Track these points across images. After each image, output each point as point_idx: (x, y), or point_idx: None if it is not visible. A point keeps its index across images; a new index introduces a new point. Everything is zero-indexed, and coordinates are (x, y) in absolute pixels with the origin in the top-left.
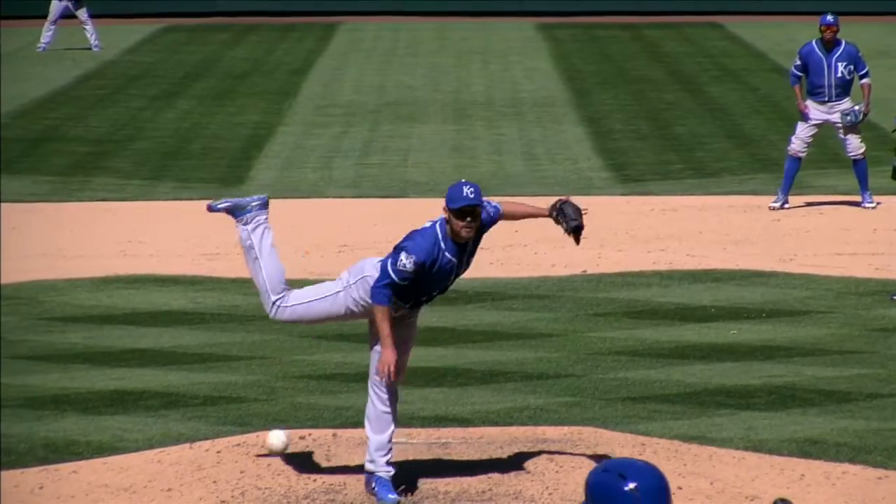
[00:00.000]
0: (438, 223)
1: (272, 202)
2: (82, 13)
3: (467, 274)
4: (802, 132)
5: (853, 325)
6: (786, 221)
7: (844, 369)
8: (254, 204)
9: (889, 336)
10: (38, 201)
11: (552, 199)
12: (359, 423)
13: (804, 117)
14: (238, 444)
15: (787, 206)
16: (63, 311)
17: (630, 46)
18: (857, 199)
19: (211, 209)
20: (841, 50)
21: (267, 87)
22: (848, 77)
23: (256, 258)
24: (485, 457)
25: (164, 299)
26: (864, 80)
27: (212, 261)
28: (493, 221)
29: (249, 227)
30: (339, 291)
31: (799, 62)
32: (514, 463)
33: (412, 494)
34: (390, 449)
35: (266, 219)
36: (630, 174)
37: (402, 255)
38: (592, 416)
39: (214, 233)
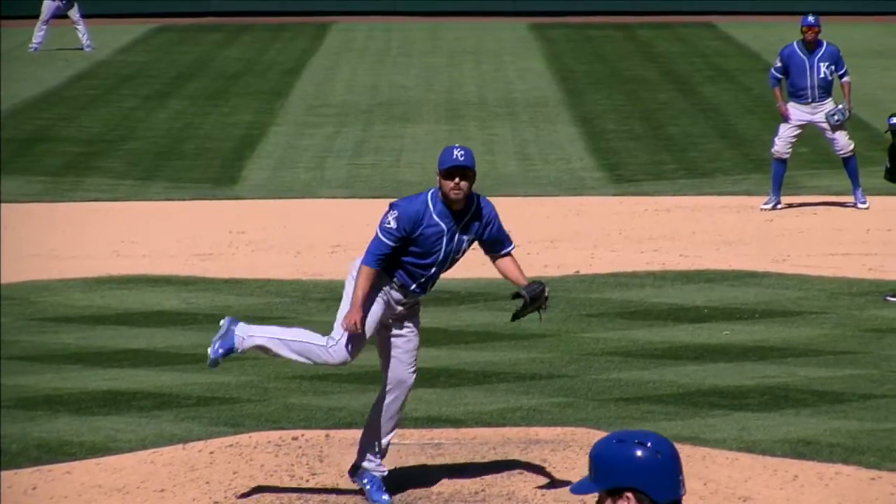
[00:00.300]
0: (432, 189)
1: (265, 202)
2: (74, 13)
3: (459, 274)
4: (785, 133)
5: (846, 325)
6: (779, 222)
7: (838, 370)
8: (230, 327)
9: (882, 337)
10: (30, 201)
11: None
12: (352, 424)
13: (785, 119)
14: (231, 445)
15: (779, 206)
16: (56, 312)
17: (623, 46)
18: (851, 199)
19: (215, 363)
20: (823, 50)
21: (259, 87)
22: (830, 77)
23: (278, 342)
24: (477, 458)
25: (156, 300)
26: (845, 79)
27: (205, 261)
28: (493, 233)
29: (245, 341)
30: (349, 285)
31: (779, 64)
32: (507, 464)
33: (405, 495)
34: (387, 449)
35: (244, 324)
36: (623, 174)
37: (388, 214)
38: (585, 416)
39: (207, 233)
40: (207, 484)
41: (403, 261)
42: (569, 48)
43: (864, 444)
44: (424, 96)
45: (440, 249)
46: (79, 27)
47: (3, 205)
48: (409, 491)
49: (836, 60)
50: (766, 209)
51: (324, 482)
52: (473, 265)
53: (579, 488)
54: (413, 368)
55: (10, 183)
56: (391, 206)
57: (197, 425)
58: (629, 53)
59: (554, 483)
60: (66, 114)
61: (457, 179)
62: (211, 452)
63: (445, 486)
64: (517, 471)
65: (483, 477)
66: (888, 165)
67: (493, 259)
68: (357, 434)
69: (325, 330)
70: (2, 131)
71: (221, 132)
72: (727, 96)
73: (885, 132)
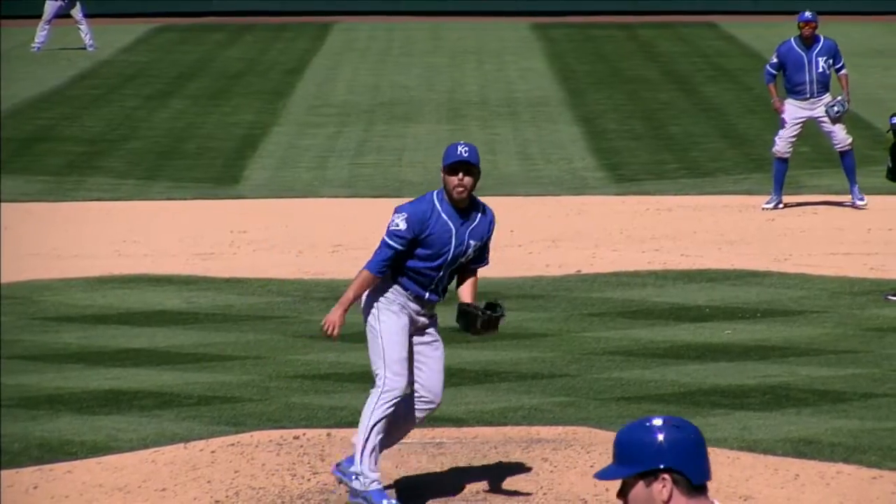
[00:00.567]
0: (437, 190)
1: (267, 202)
2: (76, 12)
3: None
4: (786, 132)
5: (848, 324)
6: (780, 221)
7: (839, 369)
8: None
9: (884, 336)
10: (32, 201)
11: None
12: (353, 423)
13: (780, 115)
14: (232, 444)
15: (781, 206)
16: (57, 311)
17: (625, 46)
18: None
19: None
20: (820, 45)
21: (261, 86)
22: (828, 72)
23: (364, 438)
24: (479, 457)
25: (158, 299)
26: (842, 72)
27: (206, 261)
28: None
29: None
30: (373, 324)
31: (775, 60)
32: (509, 463)
33: (406, 495)
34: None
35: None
36: (625, 174)
37: (395, 217)
38: (587, 416)
39: (209, 233)
40: (209, 483)
41: (411, 267)
42: (570, 48)
43: (866, 443)
44: (426, 96)
45: (449, 250)
46: (81, 27)
47: (4, 204)
48: (411, 490)
49: (833, 54)
50: (767, 208)
51: (325, 481)
52: None
53: (606, 474)
54: (443, 376)
55: (11, 182)
56: (397, 210)
57: (198, 424)
58: (631, 53)
59: (555, 482)
60: (69, 113)
61: (460, 175)
62: (212, 451)
63: (446, 485)
64: (518, 470)
65: (484, 476)
66: (890, 165)
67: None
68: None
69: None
70: (2, 131)
71: (223, 132)
72: (729, 96)
73: (887, 132)
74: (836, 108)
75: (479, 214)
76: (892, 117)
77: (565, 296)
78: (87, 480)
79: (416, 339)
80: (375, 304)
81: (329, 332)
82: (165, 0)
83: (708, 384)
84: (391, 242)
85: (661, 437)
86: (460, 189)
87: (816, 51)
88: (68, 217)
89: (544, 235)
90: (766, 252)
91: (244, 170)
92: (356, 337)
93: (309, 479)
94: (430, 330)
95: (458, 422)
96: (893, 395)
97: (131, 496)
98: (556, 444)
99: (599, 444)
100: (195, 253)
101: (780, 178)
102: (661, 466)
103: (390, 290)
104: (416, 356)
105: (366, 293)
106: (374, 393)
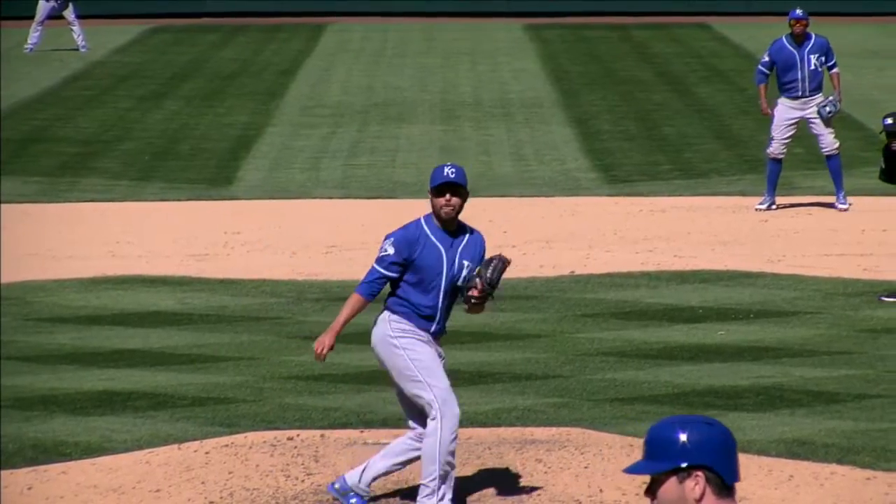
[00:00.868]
0: (425, 215)
1: (260, 203)
2: (69, 14)
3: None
4: (779, 133)
5: (841, 325)
6: (774, 222)
7: (833, 370)
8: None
9: (877, 337)
10: (26, 202)
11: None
12: (347, 424)
13: (770, 118)
14: (226, 445)
15: (774, 206)
16: (52, 312)
17: (618, 47)
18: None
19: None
20: (812, 43)
21: (255, 87)
22: (820, 70)
23: (435, 473)
24: (473, 458)
25: (152, 300)
26: (834, 70)
27: (200, 262)
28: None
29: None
30: (396, 353)
31: (767, 59)
32: (503, 464)
33: (400, 496)
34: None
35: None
36: (618, 175)
37: (384, 242)
38: (581, 416)
39: (203, 234)
40: (203, 484)
41: (413, 302)
42: (563, 49)
43: (859, 444)
44: (420, 97)
45: (441, 274)
46: (74, 28)
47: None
48: (404, 491)
49: (825, 52)
50: (760, 209)
51: (319, 482)
52: None
53: (637, 469)
54: None
55: (6, 183)
56: (386, 237)
57: (192, 425)
58: (624, 54)
59: (549, 483)
60: (62, 114)
61: (447, 196)
62: (206, 452)
63: None
64: (512, 471)
65: (478, 477)
66: (882, 166)
67: None
68: (353, 434)
69: (317, 330)
70: (1, 132)
71: (217, 133)
72: (722, 97)
73: (880, 133)
74: (827, 109)
75: (468, 235)
76: (885, 118)
77: (559, 297)
78: (82, 481)
79: None
80: (396, 338)
81: (319, 352)
82: (159, 1)
83: (701, 385)
84: (379, 267)
85: (696, 434)
86: (448, 209)
87: (808, 48)
88: (62, 218)
89: (538, 236)
90: (760, 253)
91: (238, 171)
92: (349, 338)
93: (303, 480)
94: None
95: None
96: (887, 396)
97: (126, 497)
98: (549, 444)
99: (593, 445)
100: (189, 254)
101: (774, 179)
102: (697, 463)
103: (402, 323)
104: None
105: (381, 333)
106: (435, 427)
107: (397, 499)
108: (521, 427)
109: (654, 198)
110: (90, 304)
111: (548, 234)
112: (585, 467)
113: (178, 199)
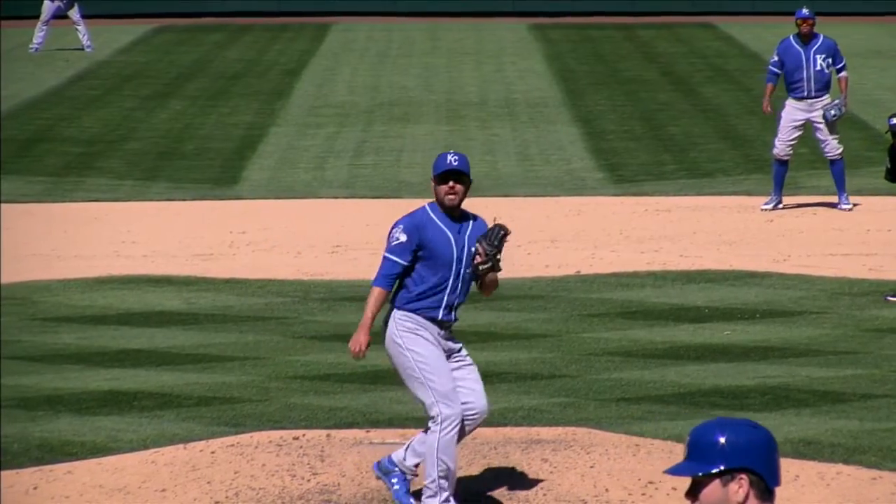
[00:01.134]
0: (429, 202)
1: (266, 202)
2: (74, 13)
3: None
4: (785, 135)
5: (847, 325)
6: (779, 222)
7: (838, 370)
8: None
9: (883, 336)
10: (31, 202)
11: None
12: (353, 424)
13: (777, 119)
14: (232, 445)
15: (780, 206)
16: (57, 312)
17: (623, 47)
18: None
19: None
20: (819, 43)
21: (260, 87)
22: (827, 71)
23: (435, 468)
24: (479, 457)
25: (157, 300)
26: (842, 74)
27: (205, 261)
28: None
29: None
30: (406, 356)
31: (776, 58)
32: (508, 463)
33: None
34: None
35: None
36: (624, 175)
37: (392, 232)
38: (586, 416)
39: (208, 233)
40: (209, 484)
41: (423, 289)
42: (569, 49)
43: (865, 443)
44: (425, 97)
45: (451, 260)
46: (79, 28)
47: (3, 205)
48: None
49: (832, 53)
50: (766, 209)
51: (325, 482)
52: None
53: (679, 470)
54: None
55: (10, 183)
56: (393, 226)
57: (198, 425)
58: (629, 54)
59: (555, 482)
60: (67, 114)
61: (451, 183)
62: (212, 452)
63: None
64: (518, 470)
65: (484, 477)
66: (888, 166)
67: None
68: (358, 433)
69: (322, 329)
70: (2, 132)
71: (222, 132)
72: (727, 97)
73: (886, 132)
74: (833, 112)
75: (472, 221)
76: (891, 118)
77: (564, 296)
78: (87, 481)
79: (452, 365)
80: (401, 337)
81: (356, 352)
82: (163, 1)
83: (707, 385)
84: (392, 256)
85: (740, 436)
86: (452, 197)
87: (814, 48)
88: (67, 218)
89: (543, 236)
90: (766, 253)
91: (243, 170)
92: None
93: (309, 480)
94: (461, 353)
95: None
96: (893, 396)
97: (131, 497)
98: (555, 444)
99: (599, 445)
100: (194, 254)
101: (780, 180)
102: (742, 466)
103: (408, 319)
104: (457, 382)
105: (389, 333)
106: (434, 427)
107: None
108: (527, 427)
109: (659, 197)
110: (95, 304)
111: (553, 234)
112: (591, 467)
113: (184, 199)
